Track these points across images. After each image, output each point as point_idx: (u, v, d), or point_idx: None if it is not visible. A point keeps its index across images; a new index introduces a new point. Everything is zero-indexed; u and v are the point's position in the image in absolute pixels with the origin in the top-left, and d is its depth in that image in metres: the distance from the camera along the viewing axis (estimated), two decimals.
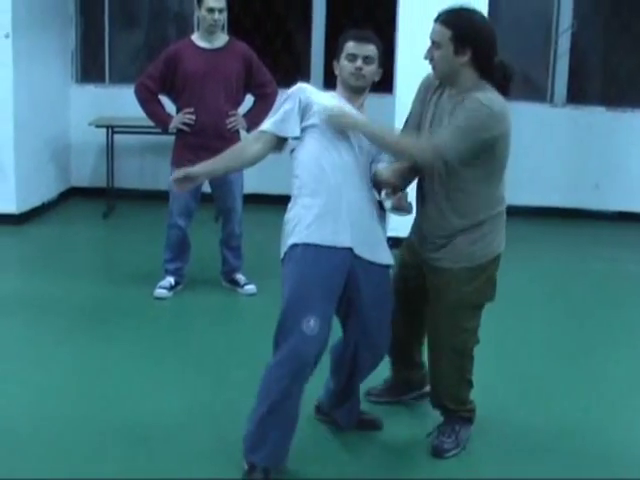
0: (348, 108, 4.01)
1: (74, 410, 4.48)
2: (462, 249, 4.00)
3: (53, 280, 6.67)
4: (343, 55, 4.04)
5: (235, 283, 6.53)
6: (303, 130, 3.98)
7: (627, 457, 4.26)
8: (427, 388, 4.63)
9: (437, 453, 4.16)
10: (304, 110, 3.97)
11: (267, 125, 4.04)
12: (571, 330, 6.15)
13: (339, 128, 3.94)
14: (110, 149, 8.99)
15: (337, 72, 4.11)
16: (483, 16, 4.06)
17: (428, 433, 4.26)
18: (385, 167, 4.05)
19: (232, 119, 6.22)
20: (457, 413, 4.24)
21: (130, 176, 9.54)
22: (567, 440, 4.39)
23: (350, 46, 4.02)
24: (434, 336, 4.16)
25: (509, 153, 3.99)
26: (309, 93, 4.03)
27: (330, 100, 4.02)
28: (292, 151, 4.07)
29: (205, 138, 6.14)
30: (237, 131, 6.26)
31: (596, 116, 9.70)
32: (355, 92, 4.07)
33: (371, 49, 4.02)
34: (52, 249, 7.78)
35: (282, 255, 3.96)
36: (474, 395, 4.27)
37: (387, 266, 4.08)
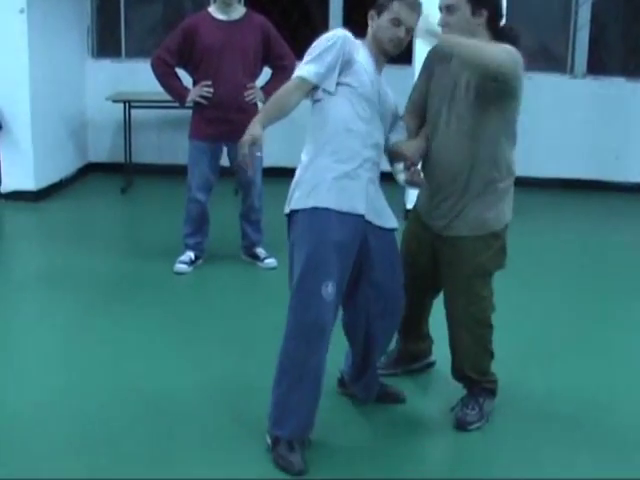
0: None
1: (96, 383, 4.48)
2: (476, 216, 4.00)
3: (72, 256, 6.66)
4: (387, 13, 3.83)
5: (255, 257, 6.51)
6: (338, 84, 3.79)
7: None
8: (432, 358, 4.70)
9: (461, 425, 4.13)
10: (344, 66, 3.78)
11: (308, 73, 3.79)
12: (590, 301, 6.11)
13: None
14: (127, 124, 8.98)
15: (372, 26, 3.92)
16: None
17: (452, 407, 4.24)
18: (408, 143, 4.04)
19: (250, 91, 6.17)
20: (480, 384, 4.22)
21: (148, 151, 9.54)
22: (588, 411, 4.37)
23: (398, 9, 3.80)
24: (453, 308, 4.13)
25: (517, 115, 3.99)
26: (351, 46, 3.81)
27: (366, 59, 3.86)
28: (317, 101, 3.86)
29: (223, 111, 6.11)
30: (255, 103, 6.22)
31: (616, 87, 9.63)
32: (386, 57, 3.93)
33: (417, 20, 3.80)
34: (71, 225, 7.78)
35: (289, 210, 3.85)
36: (494, 364, 4.24)
37: (393, 230, 4.03)
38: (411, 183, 4.00)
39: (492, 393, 4.27)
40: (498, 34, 3.93)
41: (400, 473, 3.74)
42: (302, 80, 3.81)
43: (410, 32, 3.83)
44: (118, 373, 4.63)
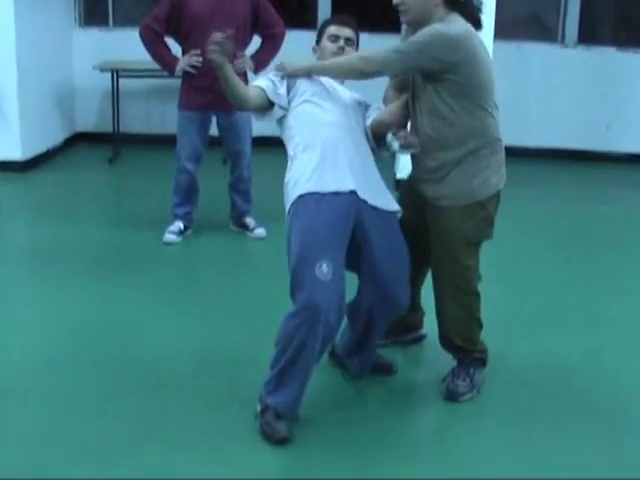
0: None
1: (86, 353, 4.46)
2: (460, 185, 3.95)
3: (60, 226, 6.62)
4: (324, 37, 4.25)
5: (244, 227, 6.49)
6: (290, 101, 4.12)
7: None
8: (424, 331, 4.68)
9: (452, 396, 4.12)
10: (289, 87, 4.13)
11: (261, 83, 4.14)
12: (580, 270, 6.10)
13: (292, 76, 4.13)
14: (115, 93, 8.92)
15: (317, 55, 4.31)
16: None
17: (443, 378, 4.23)
18: (386, 110, 4.12)
19: (239, 60, 6.11)
20: (469, 354, 4.21)
21: (136, 120, 9.49)
22: (577, 381, 4.36)
23: (332, 29, 4.24)
24: (437, 276, 4.11)
25: (486, 84, 3.90)
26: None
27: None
28: (280, 120, 4.16)
29: (212, 80, 6.00)
30: (244, 72, 6.17)
31: (607, 57, 9.60)
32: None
33: (351, 33, 4.24)
34: (58, 195, 7.74)
35: (287, 212, 3.91)
36: (483, 335, 4.24)
37: (393, 212, 4.02)
38: (406, 146, 3.95)
39: (482, 363, 4.26)
40: (456, 7, 3.90)
41: (390, 444, 3.72)
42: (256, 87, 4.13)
43: (350, 43, 4.22)
44: (107, 342, 4.62)
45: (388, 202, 4.00)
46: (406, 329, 4.66)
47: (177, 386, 4.14)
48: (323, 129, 3.95)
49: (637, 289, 5.78)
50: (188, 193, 6.39)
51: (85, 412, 3.89)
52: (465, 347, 4.18)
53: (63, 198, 7.65)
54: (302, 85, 4.10)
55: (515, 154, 7.76)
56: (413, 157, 4.18)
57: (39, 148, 8.57)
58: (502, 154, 4.06)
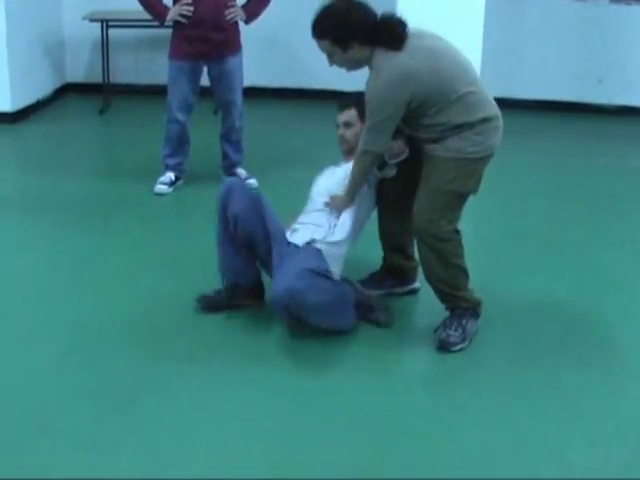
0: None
1: (75, 304, 4.49)
2: (452, 144, 4.02)
3: (51, 178, 6.59)
4: None
5: (236, 177, 6.46)
6: None
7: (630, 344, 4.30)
8: (417, 284, 4.72)
9: (443, 346, 4.14)
10: None
11: None
12: (573, 221, 6.10)
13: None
14: (105, 44, 8.82)
15: None
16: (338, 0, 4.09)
17: (435, 328, 4.24)
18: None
19: (230, 10, 6.07)
20: (457, 302, 4.23)
21: (126, 71, 9.40)
22: (574, 329, 4.41)
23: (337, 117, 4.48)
24: (414, 220, 4.13)
25: (447, 80, 3.98)
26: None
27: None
28: None
29: (203, 30, 6.02)
30: (236, 23, 6.13)
31: (599, 9, 9.52)
32: (348, 154, 4.46)
33: (349, 114, 4.40)
34: (48, 147, 7.69)
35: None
36: (477, 286, 4.26)
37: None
38: (395, 157, 4.33)
39: (475, 314, 4.28)
40: (374, 39, 3.98)
41: (380, 392, 3.76)
42: None
43: (349, 125, 4.41)
44: (98, 293, 4.64)
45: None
46: (400, 280, 4.69)
47: (173, 332, 4.20)
48: None
49: (632, 240, 5.80)
50: (179, 143, 6.36)
51: (71, 365, 3.93)
52: (451, 294, 4.22)
53: (53, 150, 7.61)
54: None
55: (508, 105, 7.72)
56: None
57: (28, 99, 8.49)
58: (496, 124, 4.10)
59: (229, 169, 6.51)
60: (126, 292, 4.64)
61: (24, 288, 4.71)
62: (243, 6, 6.20)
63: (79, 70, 9.52)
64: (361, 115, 4.26)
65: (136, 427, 3.45)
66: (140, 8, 6.26)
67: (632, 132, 8.89)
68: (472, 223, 4.87)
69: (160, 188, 6.26)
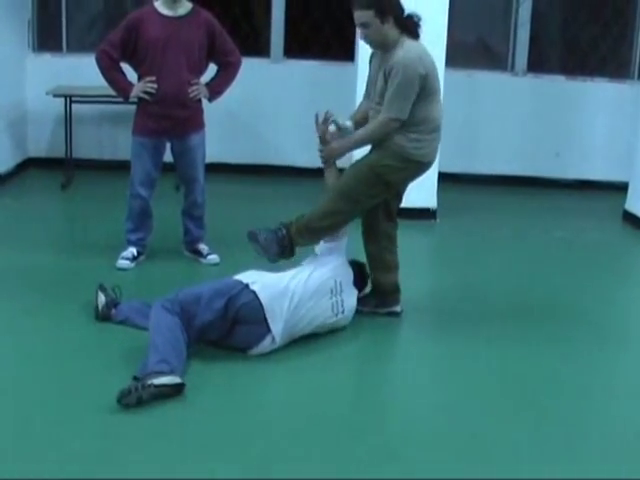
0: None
1: (34, 382, 4.45)
2: (396, 143, 5.02)
3: (12, 252, 6.56)
4: None
5: (198, 253, 6.49)
6: None
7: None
8: (398, 308, 5.46)
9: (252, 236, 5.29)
10: None
11: None
12: (530, 294, 6.21)
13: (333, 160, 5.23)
14: (68, 119, 8.88)
15: None
16: None
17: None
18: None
19: (194, 87, 6.14)
20: (292, 226, 5.20)
21: (89, 146, 9.46)
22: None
23: None
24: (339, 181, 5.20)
25: (436, 76, 5.04)
26: None
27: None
28: None
29: (167, 107, 6.08)
30: (199, 100, 6.20)
31: (556, 85, 9.78)
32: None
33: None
34: (10, 221, 7.65)
35: None
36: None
37: None
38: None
39: (284, 241, 5.29)
40: (404, 27, 4.99)
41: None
42: None
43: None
44: (61, 372, 4.60)
45: None
46: (382, 301, 5.43)
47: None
48: None
49: (592, 307, 5.94)
50: (141, 219, 6.38)
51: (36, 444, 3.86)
52: (299, 222, 5.20)
53: (14, 224, 7.57)
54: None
55: (466, 181, 7.86)
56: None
57: None
58: (436, 136, 5.13)
59: (191, 245, 6.54)
60: (87, 370, 4.59)
61: None
62: (207, 83, 6.29)
63: (41, 145, 9.57)
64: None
65: None
66: (104, 84, 6.30)
67: (588, 205, 9.04)
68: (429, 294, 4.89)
69: (122, 263, 6.26)
